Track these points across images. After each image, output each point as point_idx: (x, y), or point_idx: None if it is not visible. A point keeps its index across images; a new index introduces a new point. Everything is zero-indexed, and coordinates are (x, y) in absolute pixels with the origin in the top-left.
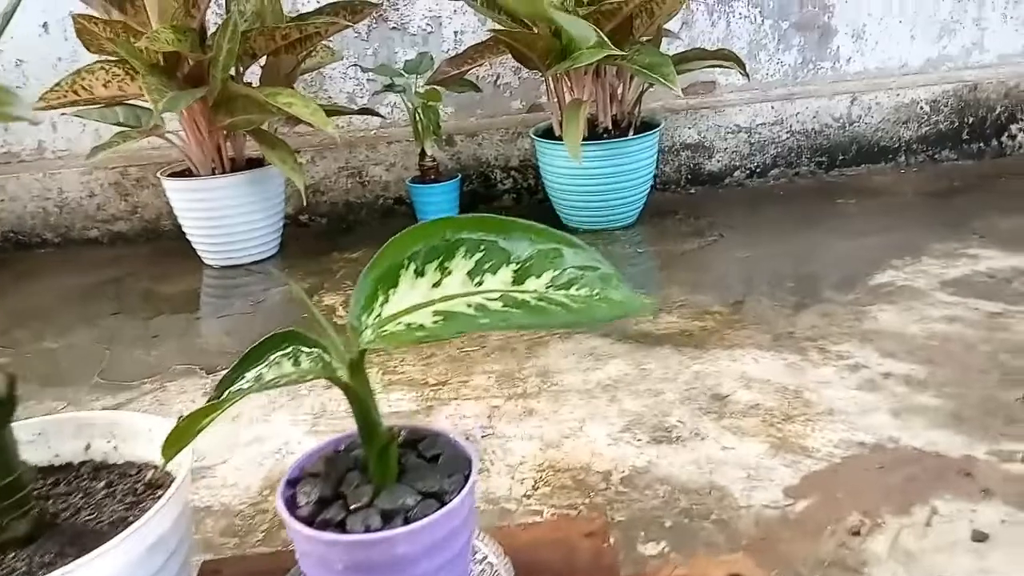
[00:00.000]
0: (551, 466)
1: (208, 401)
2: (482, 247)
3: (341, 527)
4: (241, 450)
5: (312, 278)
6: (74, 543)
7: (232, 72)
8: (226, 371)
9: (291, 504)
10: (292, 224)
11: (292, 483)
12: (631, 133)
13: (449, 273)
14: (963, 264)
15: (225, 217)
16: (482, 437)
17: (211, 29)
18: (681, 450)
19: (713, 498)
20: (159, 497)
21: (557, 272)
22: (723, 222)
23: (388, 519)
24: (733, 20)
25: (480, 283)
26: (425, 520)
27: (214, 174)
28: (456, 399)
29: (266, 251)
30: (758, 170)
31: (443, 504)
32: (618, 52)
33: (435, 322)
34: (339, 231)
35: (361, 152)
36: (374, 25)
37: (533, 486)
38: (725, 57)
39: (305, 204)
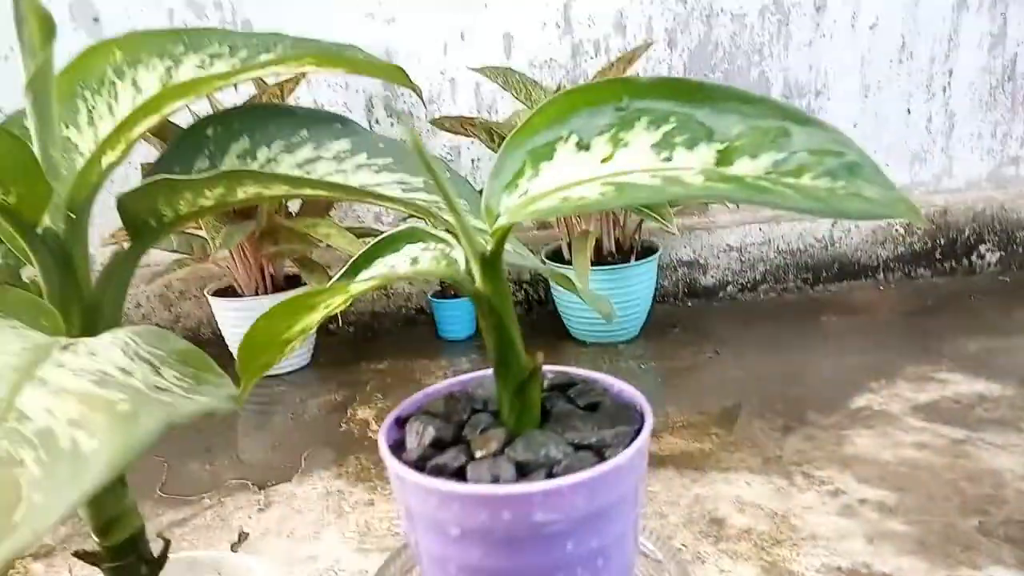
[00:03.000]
0: None
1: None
2: (672, 119)
3: (460, 475)
4: (300, 566)
5: (344, 389)
6: None
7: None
8: (276, 485)
9: (398, 449)
10: (321, 332)
11: (401, 422)
12: (633, 258)
13: (625, 145)
14: (932, 389)
15: None
16: None
17: None
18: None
19: None
20: None
21: (782, 155)
22: (718, 337)
23: (525, 472)
24: None
25: (668, 159)
26: (577, 476)
27: (257, 294)
28: None
29: (300, 361)
30: (749, 285)
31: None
32: None
33: (603, 194)
34: (364, 339)
35: None
36: None
37: None
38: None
39: (340, 323)
